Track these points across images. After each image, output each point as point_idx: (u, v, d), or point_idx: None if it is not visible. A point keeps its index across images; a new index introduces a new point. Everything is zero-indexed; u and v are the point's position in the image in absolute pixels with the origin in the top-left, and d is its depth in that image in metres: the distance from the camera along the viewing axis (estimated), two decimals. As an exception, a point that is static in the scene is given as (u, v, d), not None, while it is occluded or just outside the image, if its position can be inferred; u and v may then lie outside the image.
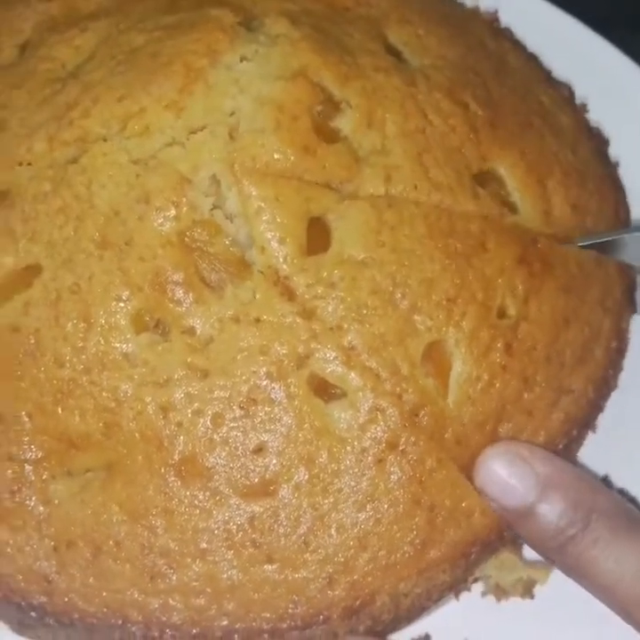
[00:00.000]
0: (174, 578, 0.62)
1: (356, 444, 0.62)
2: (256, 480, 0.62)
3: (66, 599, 0.62)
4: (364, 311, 0.63)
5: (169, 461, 0.62)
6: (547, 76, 0.84)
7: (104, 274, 0.63)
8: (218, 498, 0.62)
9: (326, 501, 0.62)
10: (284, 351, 0.62)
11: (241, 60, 0.67)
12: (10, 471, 0.63)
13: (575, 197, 0.74)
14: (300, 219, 0.64)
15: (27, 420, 0.63)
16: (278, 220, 0.63)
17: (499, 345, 0.66)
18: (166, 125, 0.65)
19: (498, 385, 0.66)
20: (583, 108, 0.84)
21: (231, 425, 0.62)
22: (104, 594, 0.62)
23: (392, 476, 0.62)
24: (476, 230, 0.67)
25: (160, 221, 0.63)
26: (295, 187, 0.64)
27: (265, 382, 0.62)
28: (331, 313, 0.63)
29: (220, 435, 0.62)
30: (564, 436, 0.69)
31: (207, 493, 0.62)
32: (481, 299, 0.66)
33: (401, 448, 0.62)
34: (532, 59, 0.84)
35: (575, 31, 0.86)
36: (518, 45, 0.84)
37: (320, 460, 0.62)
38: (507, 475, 0.63)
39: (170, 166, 0.64)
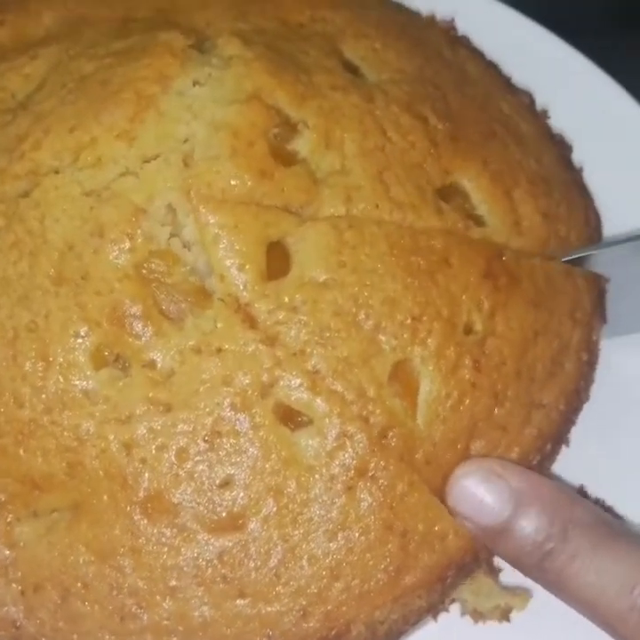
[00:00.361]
0: (145, 617, 0.61)
1: (324, 471, 0.61)
2: (224, 514, 0.61)
3: (35, 645, 0.61)
4: (328, 334, 0.63)
5: (134, 499, 0.61)
6: (506, 83, 0.83)
7: (61, 310, 0.62)
8: (186, 534, 0.61)
9: (296, 532, 0.61)
10: (248, 380, 0.61)
11: (193, 85, 0.66)
12: None
13: (544, 206, 0.74)
14: (259, 244, 0.63)
15: None
16: (236, 246, 0.62)
17: (466, 361, 0.65)
18: (119, 155, 0.64)
19: (468, 402, 0.65)
20: (544, 115, 0.83)
21: (196, 459, 0.61)
22: (74, 637, 0.61)
23: (362, 503, 0.61)
24: (439, 246, 0.66)
25: (115, 254, 0.62)
26: (253, 212, 0.63)
27: (229, 414, 0.61)
28: (293, 338, 0.62)
29: (186, 470, 0.61)
30: (537, 451, 0.68)
31: (174, 530, 0.61)
32: (446, 315, 0.65)
33: (370, 474, 0.62)
34: (491, 66, 0.84)
35: (534, 34, 0.86)
36: (476, 53, 0.84)
37: (288, 490, 0.61)
38: (480, 491, 0.62)
39: (124, 197, 0.63)
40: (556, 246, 0.72)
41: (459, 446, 0.65)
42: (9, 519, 0.62)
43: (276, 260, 0.64)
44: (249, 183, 0.64)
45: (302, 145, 0.66)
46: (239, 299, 0.62)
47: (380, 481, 0.62)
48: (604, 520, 0.63)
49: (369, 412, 0.62)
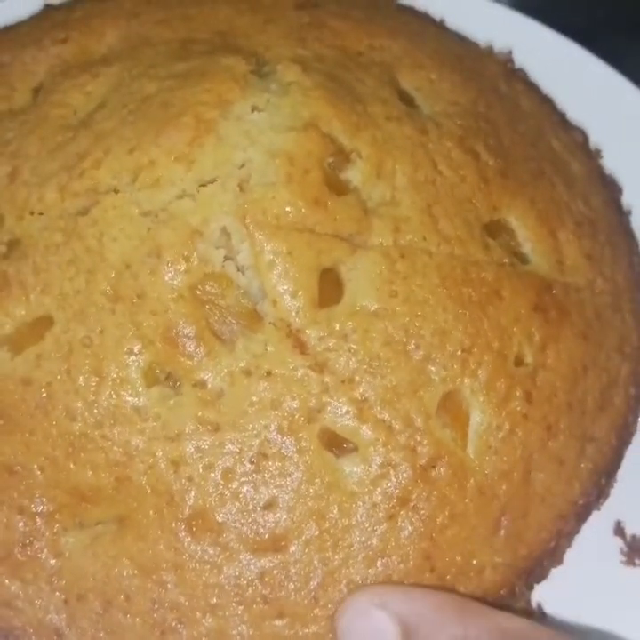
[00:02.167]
0: (184, 633, 0.63)
1: (366, 499, 0.63)
2: (266, 536, 0.63)
3: (78, 654, 0.63)
4: (377, 363, 0.64)
5: (179, 516, 0.63)
6: (560, 120, 0.85)
7: (116, 327, 0.64)
8: (228, 553, 0.63)
9: (337, 557, 0.63)
10: (296, 405, 0.63)
11: (252, 111, 0.69)
12: (21, 524, 0.65)
13: (588, 248, 0.76)
14: (313, 271, 0.65)
15: (39, 473, 0.65)
16: (290, 273, 0.64)
17: (517, 393, 0.67)
18: (176, 178, 0.66)
19: (520, 433, 0.67)
20: (597, 154, 0.84)
21: (242, 480, 0.63)
22: None
23: (403, 532, 0.63)
24: (490, 278, 0.68)
25: (171, 275, 0.64)
26: (307, 240, 0.65)
27: (276, 436, 0.63)
28: (343, 365, 0.64)
29: (231, 489, 0.63)
30: (594, 485, 0.70)
31: (218, 548, 0.63)
32: (497, 347, 0.67)
33: (412, 504, 0.63)
34: (546, 101, 0.85)
35: (593, 68, 0.86)
36: (532, 88, 0.86)
37: (331, 515, 0.63)
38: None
39: (180, 219, 0.65)
40: (602, 285, 0.73)
41: (514, 477, 0.66)
42: (56, 529, 0.65)
43: (329, 287, 0.66)
44: (303, 211, 0.66)
45: (355, 174, 0.69)
46: (291, 324, 0.64)
47: (422, 511, 0.63)
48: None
49: (416, 442, 0.64)
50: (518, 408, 0.67)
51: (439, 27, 0.86)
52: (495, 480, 0.66)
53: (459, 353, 0.66)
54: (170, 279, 0.64)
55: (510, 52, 0.84)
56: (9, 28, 0.82)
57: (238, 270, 0.65)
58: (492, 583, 0.65)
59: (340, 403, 0.64)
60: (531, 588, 0.67)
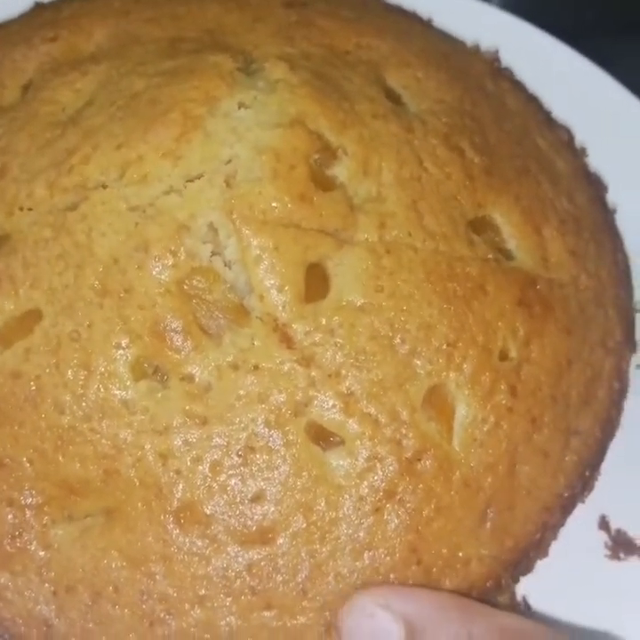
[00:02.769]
0: (173, 624, 0.63)
1: (353, 492, 0.64)
2: (254, 528, 0.64)
3: (66, 645, 0.64)
4: (363, 357, 0.65)
5: (168, 508, 0.64)
6: (546, 118, 0.86)
7: (104, 322, 0.65)
8: (216, 545, 0.64)
9: (324, 549, 0.63)
10: (283, 399, 0.64)
11: (239, 108, 0.69)
12: (11, 516, 0.65)
13: (572, 244, 0.77)
14: (299, 266, 0.66)
15: (28, 465, 0.65)
16: (277, 268, 0.65)
17: (502, 387, 0.68)
18: (164, 174, 0.67)
19: (505, 426, 0.68)
20: (582, 153, 0.85)
21: (229, 472, 0.64)
22: (103, 639, 0.63)
23: (389, 525, 0.64)
24: (474, 273, 0.69)
25: (159, 269, 0.65)
26: (293, 235, 0.66)
27: (263, 430, 0.64)
28: (329, 359, 0.65)
29: (219, 482, 0.64)
30: (579, 477, 0.71)
31: (206, 541, 0.63)
32: (481, 342, 0.68)
33: (399, 497, 0.64)
34: (532, 100, 0.86)
35: (579, 66, 0.87)
36: (518, 86, 0.87)
37: (318, 507, 0.64)
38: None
39: (167, 214, 0.66)
40: (586, 281, 0.74)
41: (500, 469, 0.67)
42: (45, 521, 0.65)
43: (315, 282, 0.67)
44: (289, 206, 0.66)
45: (341, 171, 0.69)
46: (277, 319, 0.65)
47: (408, 504, 0.64)
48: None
49: (402, 435, 0.65)
50: (503, 401, 0.68)
51: (426, 25, 0.87)
52: (481, 473, 0.66)
53: (444, 347, 0.67)
54: (157, 274, 0.65)
55: (497, 51, 0.85)
56: (-1, 25, 0.83)
57: (225, 265, 0.66)
58: (478, 575, 0.65)
59: (326, 396, 0.64)
60: (516, 580, 0.68)
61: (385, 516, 0.64)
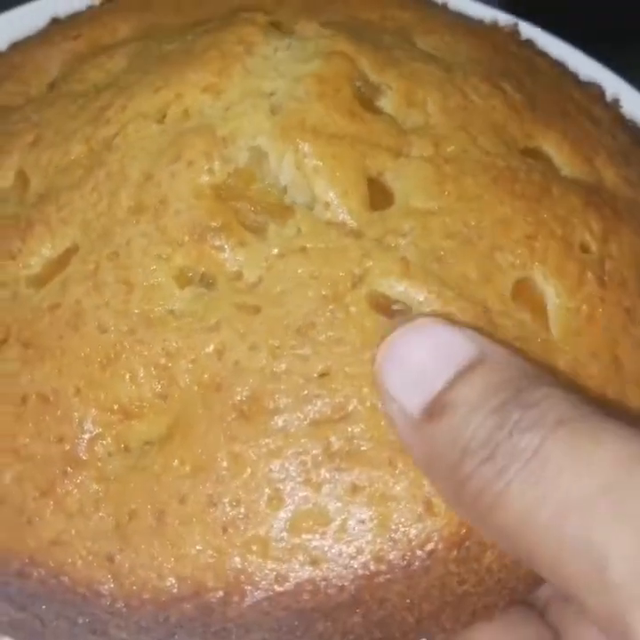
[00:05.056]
0: (250, 526, 0.55)
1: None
2: (325, 408, 0.57)
3: (133, 577, 0.56)
4: (442, 253, 0.62)
5: (229, 402, 0.58)
6: (575, 78, 0.86)
7: (141, 236, 0.62)
8: (286, 433, 0.57)
9: None
10: (341, 273, 0.59)
11: (275, 52, 0.69)
12: (60, 453, 0.59)
13: (625, 174, 0.75)
14: (359, 173, 0.64)
15: (75, 396, 0.60)
16: (338, 174, 0.63)
17: (589, 276, 0.65)
18: (205, 106, 0.66)
19: (600, 315, 0.64)
20: (616, 104, 0.86)
21: (291, 353, 0.58)
22: (172, 560, 0.56)
23: None
24: (538, 179, 0.67)
25: (193, 175, 0.63)
26: (349, 142, 0.64)
27: (321, 305, 0.59)
28: (404, 252, 0.62)
29: (281, 366, 0.58)
30: None
31: (275, 429, 0.57)
32: (560, 234, 0.65)
33: None
34: (559, 63, 0.87)
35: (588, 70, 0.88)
36: (542, 53, 0.87)
37: None
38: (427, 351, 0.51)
39: (207, 130, 0.64)
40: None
41: (604, 358, 0.62)
42: (100, 454, 0.59)
43: (377, 194, 0.64)
44: (340, 122, 0.65)
45: (385, 103, 0.69)
46: (346, 225, 0.62)
47: None
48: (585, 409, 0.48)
49: (497, 325, 0.60)
50: (593, 291, 0.64)
51: (443, 6, 0.89)
52: (583, 363, 0.62)
53: (524, 240, 0.64)
54: (191, 179, 0.63)
55: (516, 24, 0.87)
56: (17, 42, 0.85)
57: (270, 172, 0.64)
58: None
59: (385, 263, 0.60)
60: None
61: None
